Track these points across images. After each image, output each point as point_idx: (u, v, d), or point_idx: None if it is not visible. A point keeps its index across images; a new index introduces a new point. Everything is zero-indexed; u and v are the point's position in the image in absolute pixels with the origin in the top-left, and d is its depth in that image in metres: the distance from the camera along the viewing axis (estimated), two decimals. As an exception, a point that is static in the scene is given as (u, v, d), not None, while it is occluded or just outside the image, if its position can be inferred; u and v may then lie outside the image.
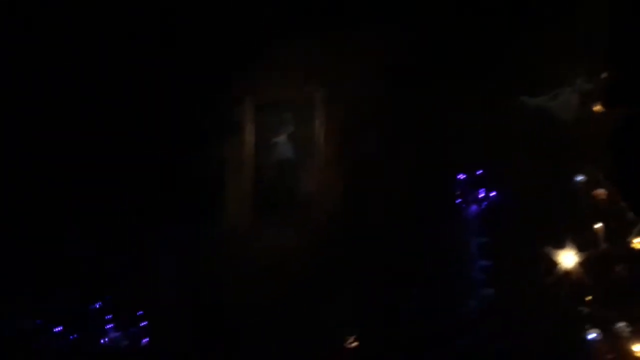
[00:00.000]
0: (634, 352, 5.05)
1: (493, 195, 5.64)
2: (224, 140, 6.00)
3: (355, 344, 5.53)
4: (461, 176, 5.70)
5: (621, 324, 5.07)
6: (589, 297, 5.25)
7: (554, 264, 5.39)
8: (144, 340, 5.44)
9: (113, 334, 5.42)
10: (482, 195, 5.65)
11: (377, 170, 5.80)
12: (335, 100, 6.02)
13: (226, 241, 5.79)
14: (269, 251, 5.81)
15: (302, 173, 6.02)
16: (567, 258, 5.31)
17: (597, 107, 5.61)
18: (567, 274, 5.31)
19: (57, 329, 5.33)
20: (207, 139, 5.91)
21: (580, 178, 5.47)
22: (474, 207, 5.65)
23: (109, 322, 5.45)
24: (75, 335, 5.35)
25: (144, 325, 5.48)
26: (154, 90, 5.83)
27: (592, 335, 5.08)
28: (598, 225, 5.37)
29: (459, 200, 5.67)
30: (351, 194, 5.85)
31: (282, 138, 6.07)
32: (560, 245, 5.38)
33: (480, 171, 5.66)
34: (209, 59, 5.92)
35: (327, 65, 6.04)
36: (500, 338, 5.22)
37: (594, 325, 5.11)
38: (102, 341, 5.39)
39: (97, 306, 5.49)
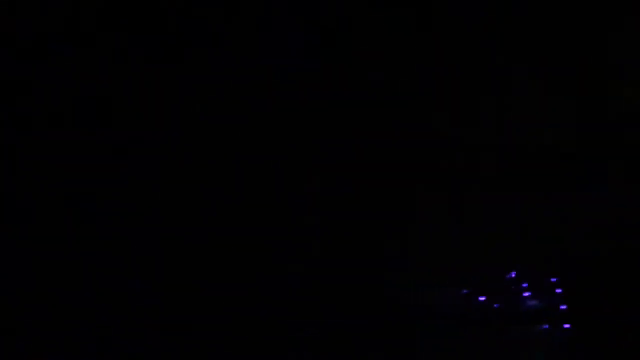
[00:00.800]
0: None
1: None
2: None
3: None
4: None
5: None
6: None
7: None
8: (561, 307, 5.74)
9: (530, 302, 5.78)
10: None
11: None
12: None
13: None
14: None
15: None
16: None
17: None
18: None
19: (481, 298, 5.79)
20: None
21: None
22: None
23: (525, 289, 5.80)
24: (497, 305, 5.80)
25: (559, 292, 5.76)
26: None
27: None
28: None
29: None
30: None
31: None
32: None
33: None
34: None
35: None
36: None
37: None
38: (520, 309, 5.79)
39: (513, 275, 5.84)
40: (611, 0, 5.77)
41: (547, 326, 5.73)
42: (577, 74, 5.85)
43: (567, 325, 5.69)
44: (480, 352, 5.70)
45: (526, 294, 5.78)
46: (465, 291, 5.81)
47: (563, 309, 5.74)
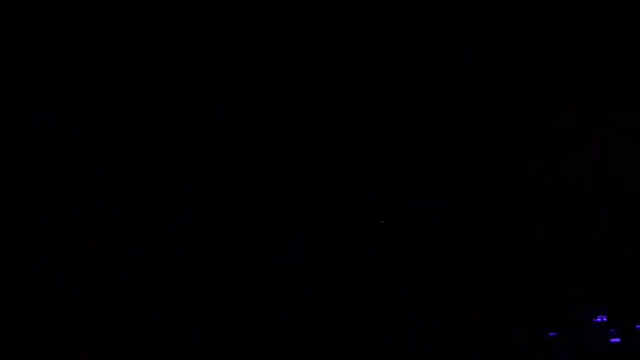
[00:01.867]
0: None
1: None
2: None
3: None
4: None
5: None
6: None
7: None
8: None
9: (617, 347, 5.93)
10: None
11: None
12: None
13: None
14: None
15: None
16: None
17: None
18: None
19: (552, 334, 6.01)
20: None
21: None
22: None
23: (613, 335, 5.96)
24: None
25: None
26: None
27: None
28: None
29: None
30: None
31: None
32: None
33: None
34: None
35: None
36: None
37: None
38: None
39: (601, 319, 6.02)
40: None
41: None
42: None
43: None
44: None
45: (614, 340, 5.93)
46: (552, 334, 6.03)
47: None
